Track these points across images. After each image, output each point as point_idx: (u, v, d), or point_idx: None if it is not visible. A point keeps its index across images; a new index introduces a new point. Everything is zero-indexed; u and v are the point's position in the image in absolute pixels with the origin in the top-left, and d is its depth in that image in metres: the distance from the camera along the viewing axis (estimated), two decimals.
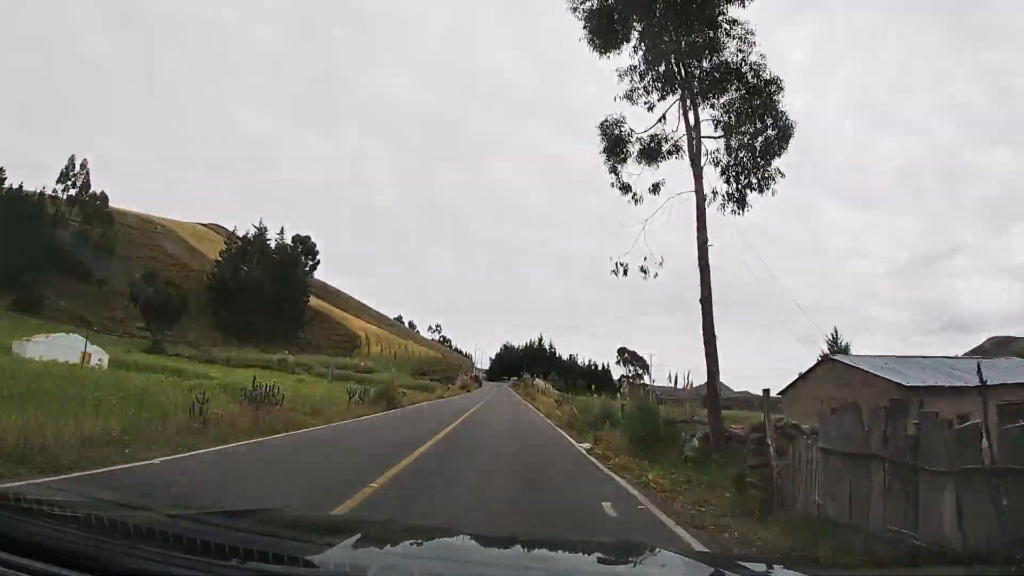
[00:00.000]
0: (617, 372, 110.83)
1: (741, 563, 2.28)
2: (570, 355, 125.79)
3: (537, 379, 55.48)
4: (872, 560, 3.91)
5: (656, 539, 4.57)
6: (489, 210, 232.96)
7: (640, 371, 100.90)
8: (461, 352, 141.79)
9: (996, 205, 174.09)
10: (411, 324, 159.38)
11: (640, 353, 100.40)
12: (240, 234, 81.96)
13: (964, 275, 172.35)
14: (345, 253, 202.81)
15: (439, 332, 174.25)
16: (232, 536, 1.64)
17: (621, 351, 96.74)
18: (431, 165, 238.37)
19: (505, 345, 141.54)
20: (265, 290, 70.26)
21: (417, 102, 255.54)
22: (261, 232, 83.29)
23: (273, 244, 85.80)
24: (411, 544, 2.11)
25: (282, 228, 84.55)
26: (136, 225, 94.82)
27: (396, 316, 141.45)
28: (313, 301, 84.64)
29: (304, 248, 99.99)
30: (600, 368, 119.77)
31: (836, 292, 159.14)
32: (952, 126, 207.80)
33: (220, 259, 75.43)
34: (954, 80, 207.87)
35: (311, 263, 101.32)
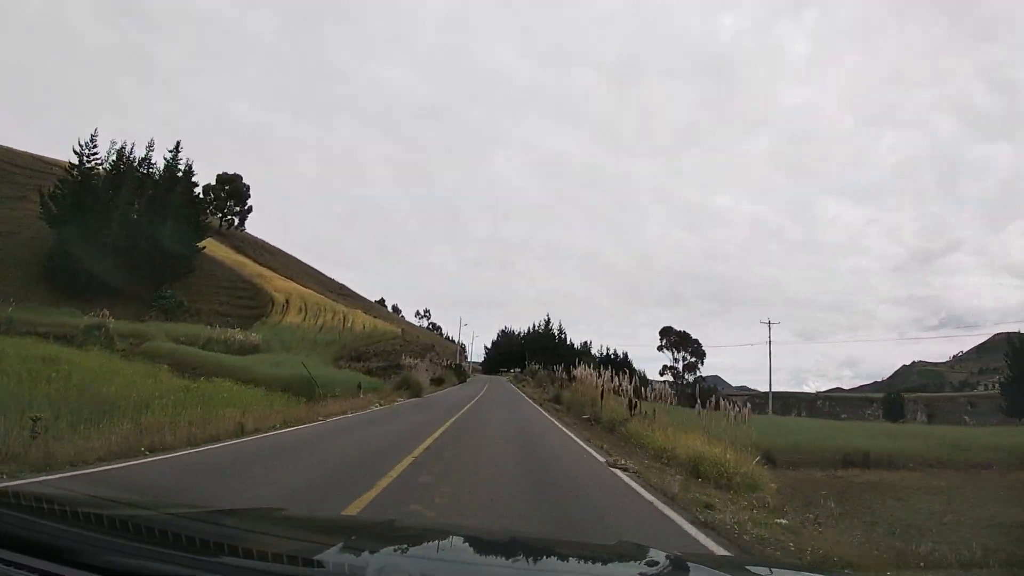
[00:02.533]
0: (654, 361, 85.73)
1: (749, 567, 2.29)
2: (584, 341, 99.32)
3: (581, 368, 25.58)
4: (876, 564, 4.14)
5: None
6: (486, 203, 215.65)
7: (691, 358, 75.38)
8: (452, 340, 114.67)
9: (996, 201, 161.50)
10: (395, 308, 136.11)
11: (692, 334, 73.86)
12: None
13: (963, 271, 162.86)
14: (340, 246, 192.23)
15: (428, 318, 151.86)
16: (233, 534, 1.65)
17: (665, 331, 70.29)
18: (427, 157, 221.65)
19: (503, 331, 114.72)
20: (110, 230, 43.74)
21: (411, 92, 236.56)
22: (149, 156, 55.90)
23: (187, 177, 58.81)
24: (411, 544, 2.04)
25: (177, 143, 57.09)
26: (26, 164, 68.92)
27: (378, 299, 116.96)
28: (225, 254, 57.80)
29: (231, 191, 73.45)
30: (617, 357, 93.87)
31: (835, 288, 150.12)
32: (952, 121, 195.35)
33: (69, 177, 48.55)
34: (955, 75, 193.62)
35: (239, 209, 75.01)
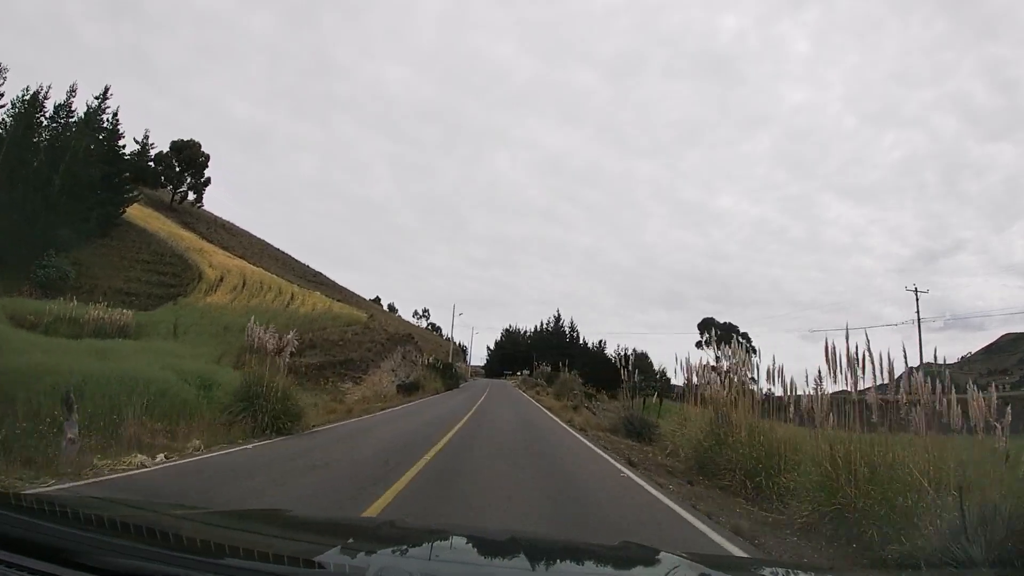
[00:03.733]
0: (686, 359, 73.54)
1: (755, 568, 2.36)
2: (600, 341, 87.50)
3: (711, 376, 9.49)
4: (873, 564, 3.81)
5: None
6: (487, 201, 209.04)
7: (735, 357, 62.36)
8: (454, 341, 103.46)
9: (1000, 201, 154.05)
10: (391, 307, 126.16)
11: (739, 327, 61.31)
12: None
13: (968, 272, 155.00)
14: (340, 246, 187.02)
15: (427, 318, 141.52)
16: (235, 536, 1.66)
17: (706, 324, 57.94)
18: (427, 156, 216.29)
19: (507, 329, 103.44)
20: None
21: (410, 90, 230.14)
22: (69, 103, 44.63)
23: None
24: (411, 545, 2.01)
25: (106, 88, 46.05)
26: None
27: (374, 297, 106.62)
28: (162, 226, 46.72)
29: (185, 159, 62.17)
30: (635, 358, 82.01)
31: (837, 288, 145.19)
32: (954, 120, 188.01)
33: None
34: (957, 73, 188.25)
35: (195, 181, 63.63)
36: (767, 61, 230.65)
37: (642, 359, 47.56)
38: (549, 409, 24.05)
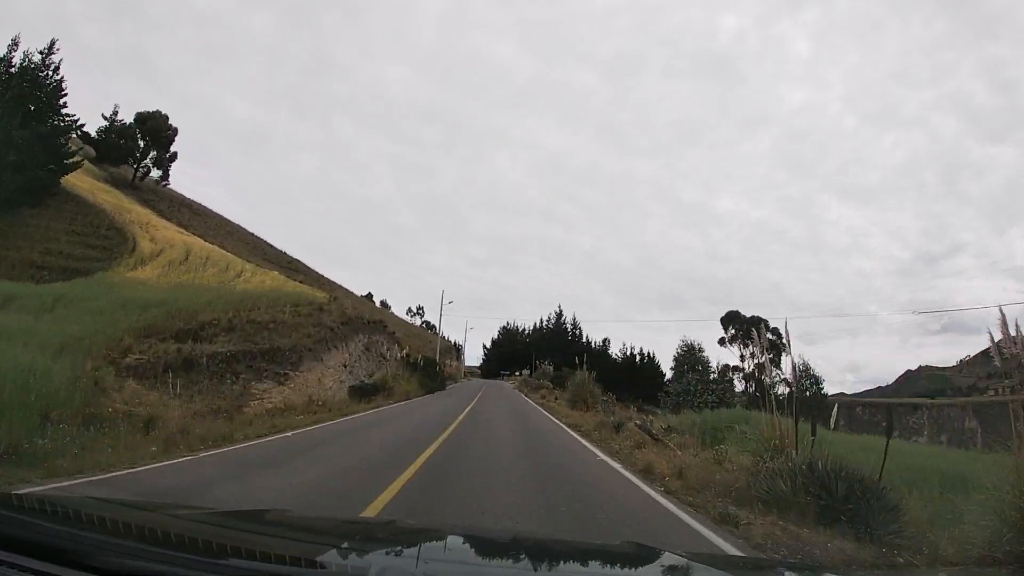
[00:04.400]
0: (713, 357, 67.40)
1: (756, 568, 2.26)
2: (604, 339, 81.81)
3: None
4: (875, 563, 3.84)
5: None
6: (487, 201, 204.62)
7: (762, 355, 56.35)
8: (450, 341, 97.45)
9: (1001, 201, 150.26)
10: (384, 303, 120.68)
11: (766, 321, 55.11)
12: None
13: (967, 275, 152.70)
14: (340, 246, 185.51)
15: (421, 315, 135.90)
16: (235, 536, 1.63)
17: (731, 319, 52.05)
18: (427, 156, 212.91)
19: (505, 327, 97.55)
20: None
21: (409, 89, 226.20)
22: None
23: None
24: (413, 545, 1.96)
25: (52, 42, 40.43)
26: None
27: (366, 293, 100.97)
28: (109, 198, 41.05)
29: (150, 130, 56.35)
30: (645, 358, 76.19)
31: (837, 291, 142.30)
32: (955, 120, 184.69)
33: None
34: (958, 73, 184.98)
35: (160, 155, 57.73)
36: (767, 61, 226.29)
37: (690, 355, 41.14)
38: (575, 428, 15.54)
